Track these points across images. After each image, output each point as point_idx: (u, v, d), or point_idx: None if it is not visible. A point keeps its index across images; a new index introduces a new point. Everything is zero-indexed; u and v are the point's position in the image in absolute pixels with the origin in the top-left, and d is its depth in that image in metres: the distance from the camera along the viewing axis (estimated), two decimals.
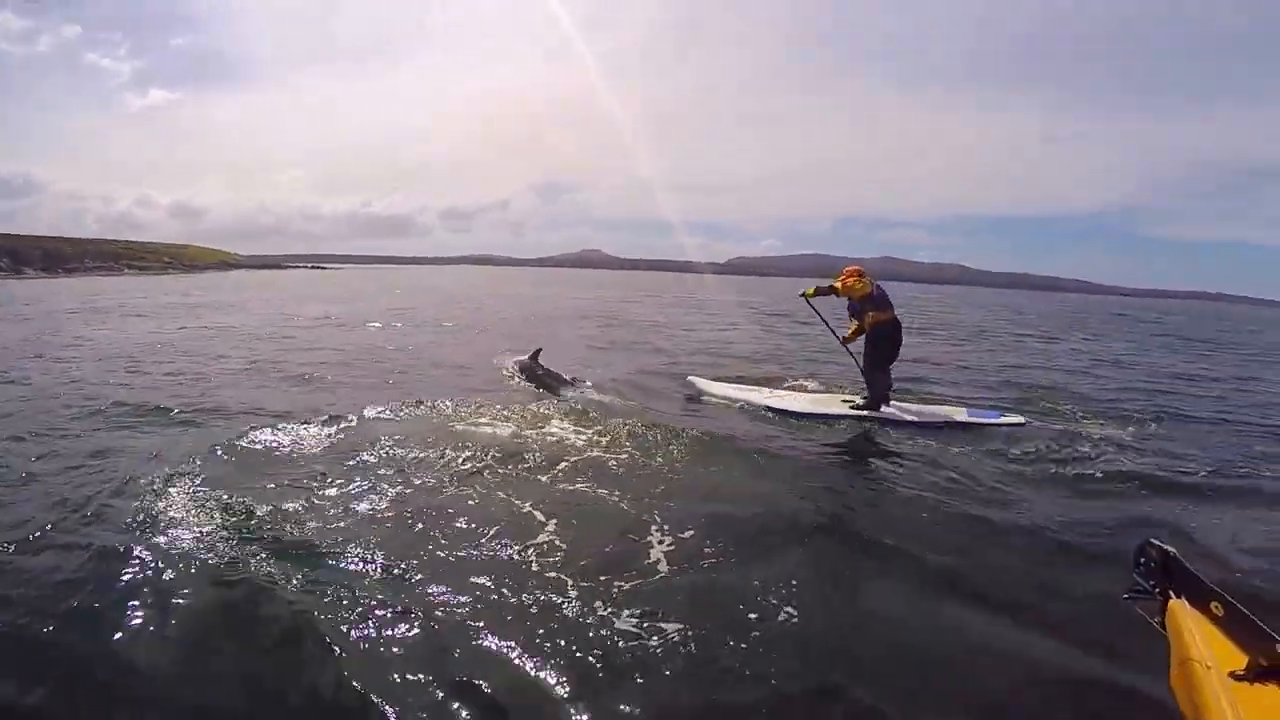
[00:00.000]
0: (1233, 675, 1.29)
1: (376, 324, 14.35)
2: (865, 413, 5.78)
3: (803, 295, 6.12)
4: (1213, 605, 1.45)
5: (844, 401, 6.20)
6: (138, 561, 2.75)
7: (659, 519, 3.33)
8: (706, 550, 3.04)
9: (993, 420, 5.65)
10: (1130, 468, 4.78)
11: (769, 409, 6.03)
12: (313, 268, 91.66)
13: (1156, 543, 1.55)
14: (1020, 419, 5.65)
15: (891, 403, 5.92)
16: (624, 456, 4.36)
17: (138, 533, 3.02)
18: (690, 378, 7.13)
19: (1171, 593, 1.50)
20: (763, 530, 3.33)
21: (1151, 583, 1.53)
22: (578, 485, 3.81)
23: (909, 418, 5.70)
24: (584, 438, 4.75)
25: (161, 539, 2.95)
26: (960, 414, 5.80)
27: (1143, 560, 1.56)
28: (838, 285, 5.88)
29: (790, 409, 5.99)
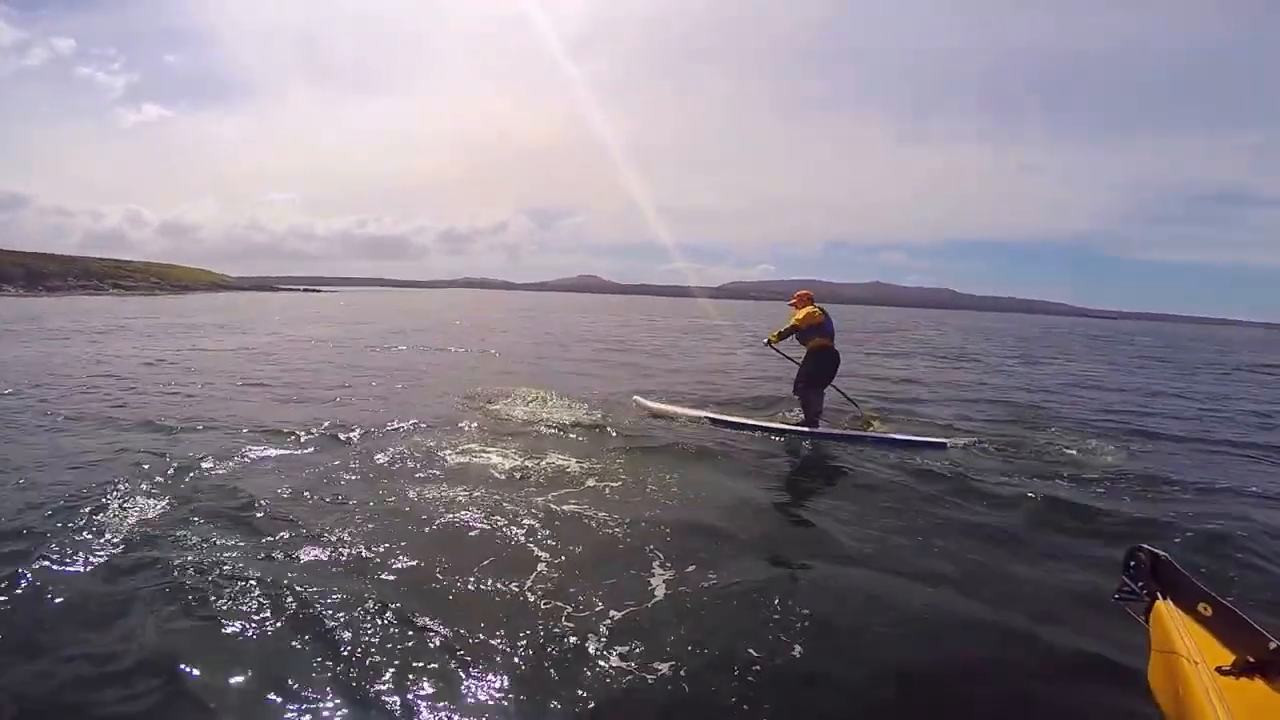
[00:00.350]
0: (1219, 670, 1.32)
1: (378, 347, 14.27)
2: (803, 428, 6.08)
3: (767, 344, 6.36)
4: (1200, 606, 1.50)
5: (781, 420, 6.48)
6: (139, 575, 2.79)
7: (656, 547, 3.28)
8: (705, 579, 2.97)
9: (915, 439, 5.93)
10: (1095, 482, 4.93)
11: (714, 420, 6.38)
12: (306, 290, 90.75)
13: (1147, 547, 1.62)
14: (943, 440, 5.90)
15: (821, 423, 6.27)
16: (618, 484, 4.33)
17: (137, 544, 3.10)
18: (635, 397, 7.40)
19: (1159, 594, 1.54)
20: (761, 555, 3.35)
21: (1140, 584, 1.59)
22: (574, 512, 3.75)
23: (839, 431, 6.11)
24: (580, 465, 4.71)
25: (159, 552, 3.01)
26: (885, 433, 6.14)
27: (1132, 564, 1.62)
28: (799, 324, 6.15)
29: (736, 421, 6.38)
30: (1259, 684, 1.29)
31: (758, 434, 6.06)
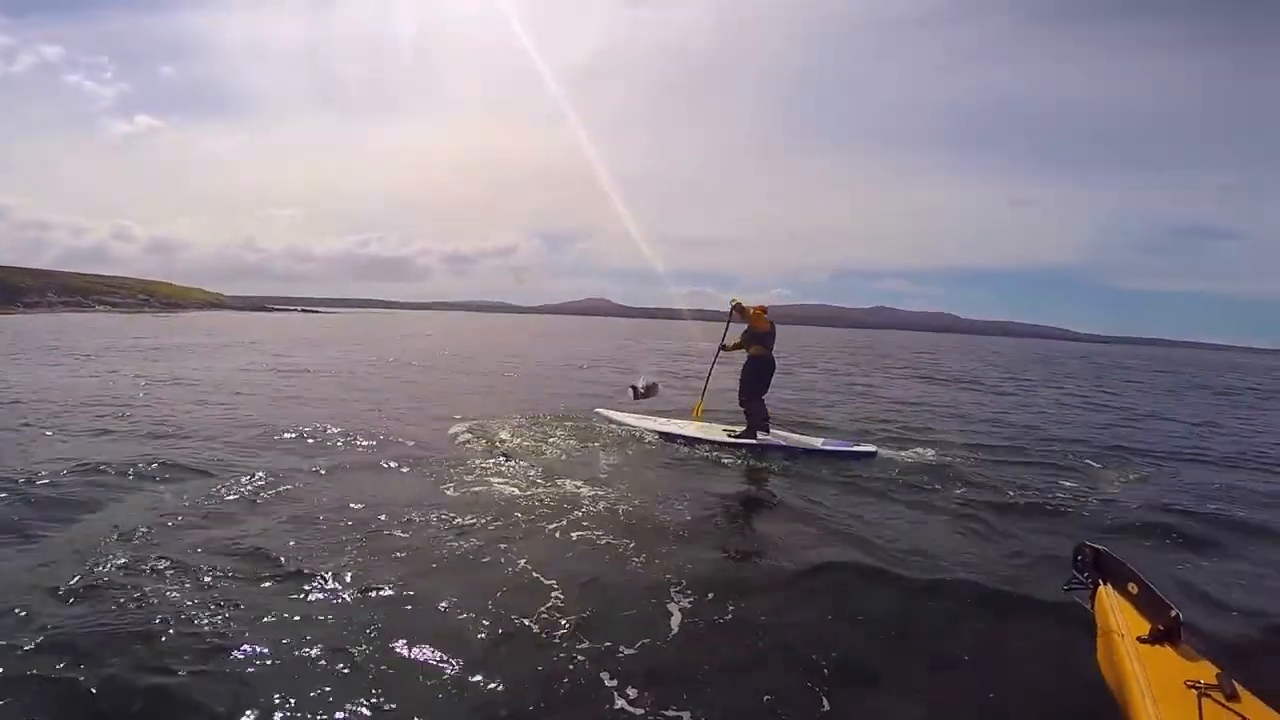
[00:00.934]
0: (1139, 639, 1.60)
1: (383, 370, 13.60)
2: (745, 440, 6.26)
3: (731, 301, 6.55)
4: (1129, 585, 1.79)
5: (724, 430, 6.59)
6: (145, 588, 2.75)
7: (674, 577, 3.10)
8: (726, 613, 2.80)
9: (848, 448, 6.13)
10: (1078, 486, 5.26)
11: (662, 435, 6.54)
12: (304, 310, 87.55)
13: (1090, 544, 1.95)
14: (871, 448, 6.14)
15: (760, 431, 6.42)
16: (630, 509, 4.12)
17: (145, 558, 3.06)
18: (597, 409, 7.54)
19: (1101, 581, 1.86)
20: (764, 570, 3.33)
21: (1085, 575, 1.92)
22: (584, 538, 3.59)
23: (779, 443, 6.24)
24: (590, 489, 4.54)
25: (164, 567, 2.92)
26: (817, 443, 6.32)
27: (1079, 558, 1.95)
28: (754, 323, 6.42)
29: (680, 434, 6.52)
30: (1166, 648, 1.57)
31: (701, 446, 6.20)
